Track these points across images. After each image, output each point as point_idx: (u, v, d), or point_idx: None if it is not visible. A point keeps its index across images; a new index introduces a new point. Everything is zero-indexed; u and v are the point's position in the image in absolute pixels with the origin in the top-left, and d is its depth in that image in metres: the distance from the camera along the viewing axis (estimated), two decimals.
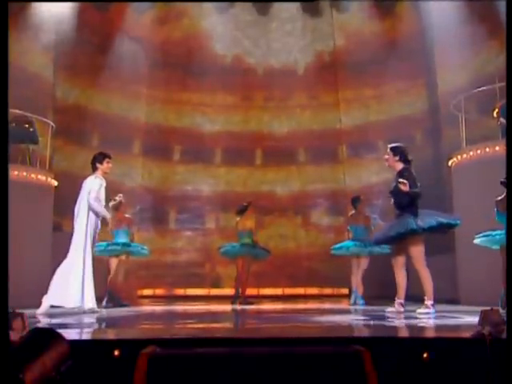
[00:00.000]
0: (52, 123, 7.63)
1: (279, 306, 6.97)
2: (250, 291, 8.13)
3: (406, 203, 4.56)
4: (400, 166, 4.73)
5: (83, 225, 4.95)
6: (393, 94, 10.08)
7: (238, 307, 6.53)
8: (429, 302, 4.51)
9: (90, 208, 5.01)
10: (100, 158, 5.23)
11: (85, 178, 5.29)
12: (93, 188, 5.07)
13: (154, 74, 10.50)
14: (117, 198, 6.74)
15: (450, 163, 7.13)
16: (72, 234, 5.00)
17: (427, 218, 4.51)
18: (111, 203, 6.67)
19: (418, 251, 4.56)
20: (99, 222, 5.15)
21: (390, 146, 4.87)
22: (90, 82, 9.38)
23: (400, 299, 4.75)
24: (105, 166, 5.23)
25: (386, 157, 4.84)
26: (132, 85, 10.18)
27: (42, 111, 7.64)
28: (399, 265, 4.76)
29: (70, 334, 2.74)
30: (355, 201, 7.16)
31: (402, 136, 8.54)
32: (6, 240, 2.04)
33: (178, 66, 10.60)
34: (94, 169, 5.24)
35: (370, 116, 10.43)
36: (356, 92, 10.60)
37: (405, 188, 4.46)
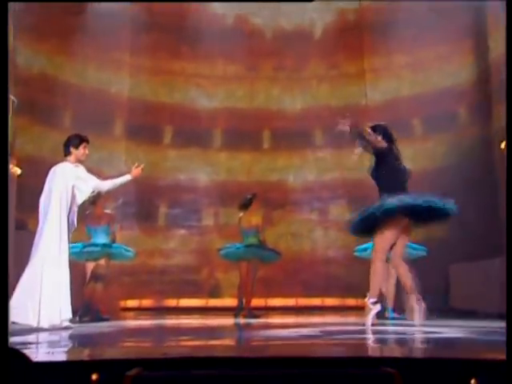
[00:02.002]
0: (13, 97, 7.62)
1: (291, 319, 6.98)
2: (256, 302, 8.14)
3: (387, 183, 4.85)
4: (382, 144, 5.01)
5: (55, 223, 4.94)
6: (431, 61, 10.00)
7: (242, 321, 6.55)
8: (370, 301, 4.76)
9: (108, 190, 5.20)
10: (76, 141, 5.20)
11: (54, 164, 5.28)
12: (81, 176, 5.10)
13: (138, 38, 10.47)
14: (94, 190, 6.74)
15: (502, 145, 7.11)
16: (36, 234, 4.98)
17: (408, 199, 4.70)
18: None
19: (381, 237, 4.80)
20: (75, 218, 5.16)
21: (371, 124, 5.15)
22: (60, 46, 9.38)
23: (412, 293, 4.86)
24: (81, 151, 5.21)
25: (369, 137, 5.07)
26: (112, 51, 10.17)
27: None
28: (396, 256, 4.92)
29: (38, 355, 2.74)
30: None
31: (443, 112, 8.50)
32: (6, 242, 2.26)
33: (168, 28, 10.58)
34: (67, 153, 5.20)
35: (403, 89, 10.38)
36: (385, 59, 10.55)
37: (342, 125, 4.79)
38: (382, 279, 4.86)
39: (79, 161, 5.24)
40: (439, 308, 8.35)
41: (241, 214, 7.49)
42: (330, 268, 10.13)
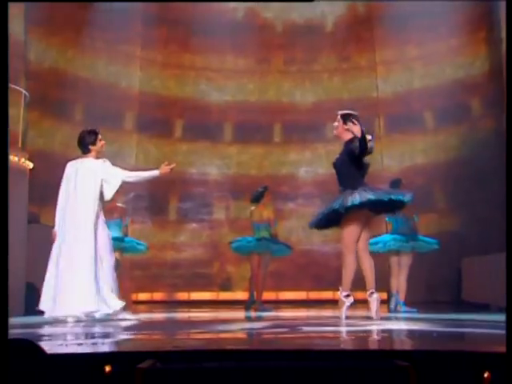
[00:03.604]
0: (25, 91, 7.65)
1: (303, 312, 6.98)
2: (268, 295, 8.15)
3: (349, 175, 4.88)
4: (349, 136, 4.99)
5: (84, 222, 4.92)
6: (443, 53, 9.90)
7: (253, 314, 6.55)
8: (342, 294, 4.85)
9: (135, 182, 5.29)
10: (91, 138, 5.21)
11: (69, 159, 5.29)
12: (110, 171, 5.13)
13: (149, 32, 10.47)
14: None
15: None
16: (57, 232, 4.98)
17: (368, 193, 4.73)
18: None
19: (348, 231, 4.86)
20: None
21: (340, 112, 5.14)
22: (70, 40, 9.41)
23: (371, 288, 4.89)
24: (99, 145, 5.24)
25: (336, 124, 5.10)
26: (123, 45, 10.19)
27: (12, 76, 7.64)
28: (360, 250, 4.97)
29: (52, 347, 2.76)
30: (395, 185, 7.08)
31: (455, 105, 8.43)
32: (6, 238, 2.26)
33: (178, 21, 10.56)
34: (86, 152, 5.22)
35: (415, 81, 10.32)
36: (397, 52, 10.48)
37: (356, 129, 4.73)
38: (353, 272, 4.90)
39: (100, 153, 5.29)
40: (451, 301, 8.34)
41: (252, 208, 7.49)
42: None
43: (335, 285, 10.37)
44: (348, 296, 4.88)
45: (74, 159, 5.25)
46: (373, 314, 4.78)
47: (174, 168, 5.43)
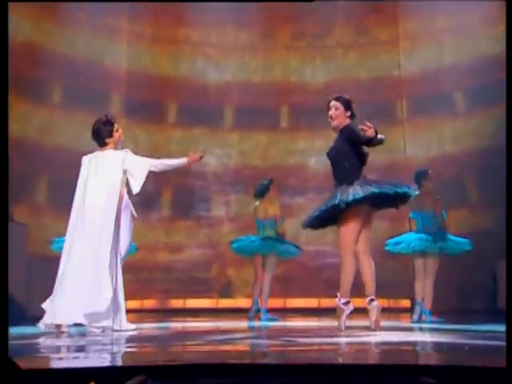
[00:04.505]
0: None
1: (313, 322, 7.01)
2: (274, 302, 8.17)
3: (347, 167, 4.95)
4: (347, 122, 5.10)
5: (112, 229, 5.05)
6: (476, 25, 9.86)
7: (257, 324, 6.58)
8: (341, 301, 4.88)
9: (161, 170, 5.40)
10: (107, 129, 5.30)
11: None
12: (133, 164, 5.24)
13: (138, 3, 10.46)
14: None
15: None
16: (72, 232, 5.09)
17: (372, 186, 4.79)
18: None
19: (343, 233, 4.90)
20: (133, 209, 5.49)
21: (340, 96, 5.18)
22: (48, 12, 9.38)
23: (371, 295, 4.97)
24: (116, 136, 5.35)
25: (337, 112, 5.10)
26: (108, 17, 10.17)
27: None
28: (361, 252, 5.05)
29: (30, 363, 2.77)
30: (420, 177, 7.09)
31: (490, 85, 8.39)
32: (6, 239, 2.44)
33: None
34: (103, 145, 5.32)
35: (444, 57, 10.31)
36: (423, 23, 10.46)
37: (371, 133, 4.75)
38: (352, 276, 4.95)
39: (118, 143, 5.40)
40: (486, 310, 8.33)
41: (256, 203, 7.51)
42: (357, 265, 10.09)
43: (351, 291, 10.38)
44: (348, 303, 4.91)
45: (89, 152, 5.39)
46: (371, 323, 4.83)
47: (203, 157, 5.53)
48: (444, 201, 7.19)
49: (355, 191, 4.73)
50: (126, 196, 5.37)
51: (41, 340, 4.42)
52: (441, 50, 10.37)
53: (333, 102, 5.13)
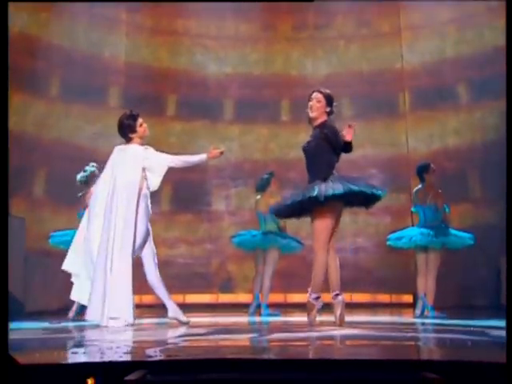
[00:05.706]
0: None
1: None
2: (275, 297, 8.17)
3: (323, 163, 4.99)
4: (324, 118, 5.14)
5: (132, 222, 5.22)
6: (481, 15, 9.82)
7: (258, 319, 6.58)
8: (312, 296, 4.94)
9: (181, 166, 5.45)
10: (130, 124, 5.32)
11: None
12: (153, 160, 5.30)
13: None
14: (88, 169, 6.77)
15: None
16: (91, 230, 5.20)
17: (350, 184, 4.85)
18: (80, 175, 6.70)
19: (319, 227, 4.93)
20: (149, 204, 5.48)
21: (325, 91, 5.21)
22: (45, 3, 9.34)
23: (336, 290, 5.04)
24: (140, 131, 5.36)
25: (318, 105, 5.13)
26: (106, 8, 10.14)
27: None
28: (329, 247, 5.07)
29: (28, 358, 2.77)
30: (423, 171, 7.09)
31: (494, 76, 8.36)
32: (6, 237, 2.50)
33: None
34: (127, 140, 5.36)
35: (447, 49, 10.28)
36: (425, 15, 10.41)
37: (349, 137, 4.93)
38: (324, 272, 4.99)
39: (144, 138, 5.42)
40: (489, 306, 8.33)
41: (257, 197, 7.51)
42: (360, 259, 10.12)
43: (353, 286, 10.42)
44: (318, 298, 4.96)
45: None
46: (336, 318, 4.90)
47: (223, 153, 5.53)
48: (446, 195, 7.18)
49: (335, 186, 4.77)
50: (145, 191, 5.36)
51: (39, 335, 4.43)
52: (443, 41, 10.34)
53: (317, 94, 5.16)
